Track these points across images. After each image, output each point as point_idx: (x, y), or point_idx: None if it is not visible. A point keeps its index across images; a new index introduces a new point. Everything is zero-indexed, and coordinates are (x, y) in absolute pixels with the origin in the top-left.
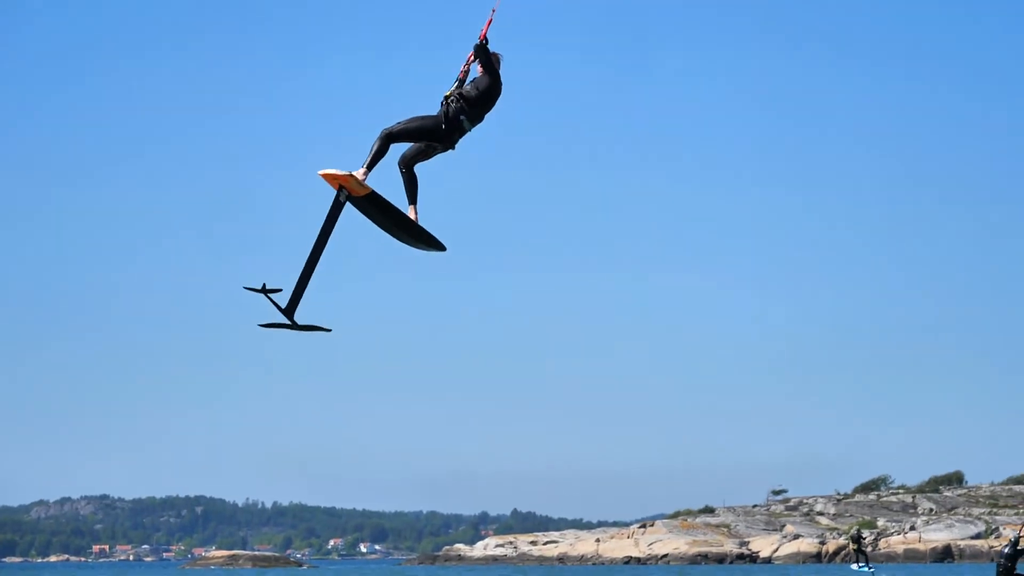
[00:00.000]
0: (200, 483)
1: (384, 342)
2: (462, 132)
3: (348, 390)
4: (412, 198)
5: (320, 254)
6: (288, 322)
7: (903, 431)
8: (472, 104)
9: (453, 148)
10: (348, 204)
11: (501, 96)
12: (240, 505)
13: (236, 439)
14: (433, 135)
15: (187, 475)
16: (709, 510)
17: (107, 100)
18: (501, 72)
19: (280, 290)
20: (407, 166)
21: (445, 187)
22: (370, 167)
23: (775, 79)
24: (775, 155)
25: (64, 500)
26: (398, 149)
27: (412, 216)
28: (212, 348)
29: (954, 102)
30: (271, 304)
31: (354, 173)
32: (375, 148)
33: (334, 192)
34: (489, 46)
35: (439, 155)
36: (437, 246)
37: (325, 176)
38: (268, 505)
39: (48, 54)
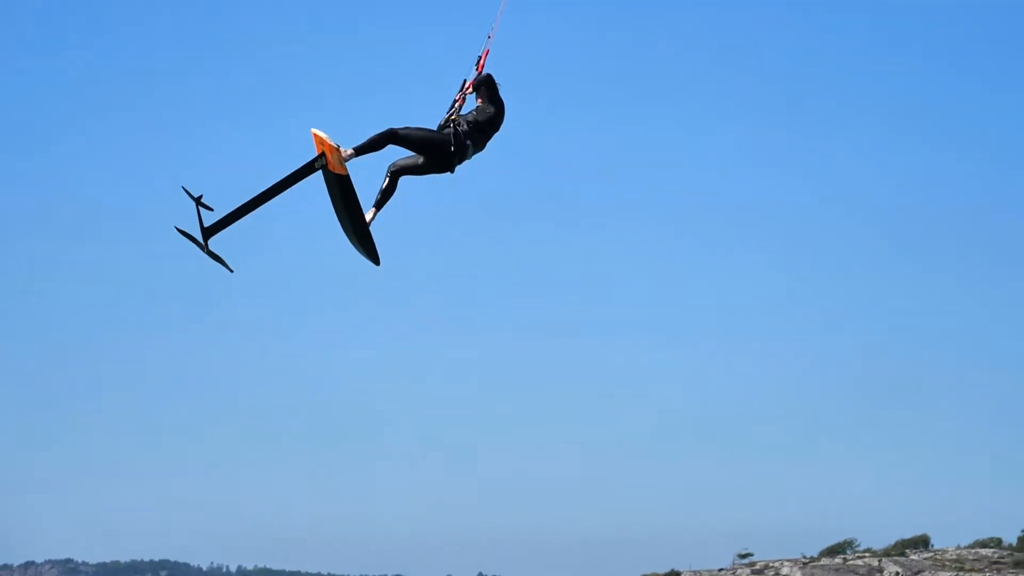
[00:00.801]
0: (165, 547)
1: (346, 405)
2: (463, 157)
3: (315, 454)
4: (380, 204)
5: (267, 200)
6: (201, 241)
7: (870, 494)
8: (480, 130)
9: (452, 172)
10: (320, 173)
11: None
12: (205, 569)
13: (201, 502)
14: (437, 151)
15: (152, 538)
16: (675, 574)
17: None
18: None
19: (212, 209)
20: (395, 174)
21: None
22: (359, 151)
23: (765, 143)
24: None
25: (28, 564)
26: (391, 153)
27: (369, 217)
28: (175, 412)
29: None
30: (195, 215)
31: (341, 148)
32: (373, 138)
33: (314, 154)
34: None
35: (432, 176)
36: (373, 257)
37: (316, 136)
38: (233, 568)
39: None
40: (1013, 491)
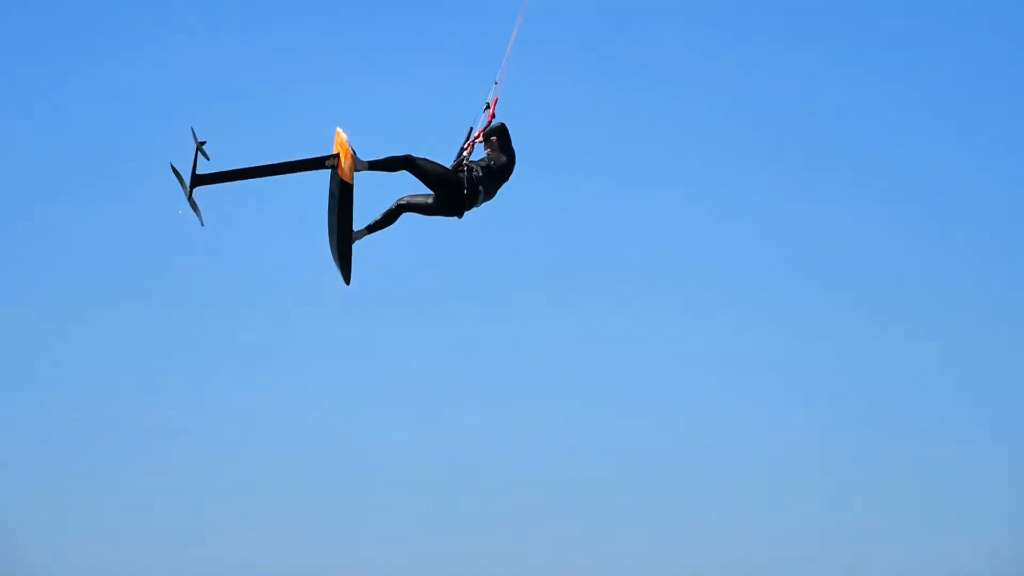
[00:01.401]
0: None
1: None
2: (473, 203)
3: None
4: (374, 227)
5: (266, 174)
6: (187, 184)
7: None
8: (492, 178)
9: (460, 217)
10: (326, 171)
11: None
12: None
13: None
14: (451, 190)
15: None
16: None
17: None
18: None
19: (209, 159)
20: (401, 208)
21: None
22: (372, 166)
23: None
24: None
25: None
26: (401, 184)
27: (358, 235)
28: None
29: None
30: (192, 159)
31: (358, 156)
32: (391, 158)
33: (329, 151)
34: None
35: (440, 219)
36: (345, 274)
37: (338, 135)
38: None
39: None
40: None
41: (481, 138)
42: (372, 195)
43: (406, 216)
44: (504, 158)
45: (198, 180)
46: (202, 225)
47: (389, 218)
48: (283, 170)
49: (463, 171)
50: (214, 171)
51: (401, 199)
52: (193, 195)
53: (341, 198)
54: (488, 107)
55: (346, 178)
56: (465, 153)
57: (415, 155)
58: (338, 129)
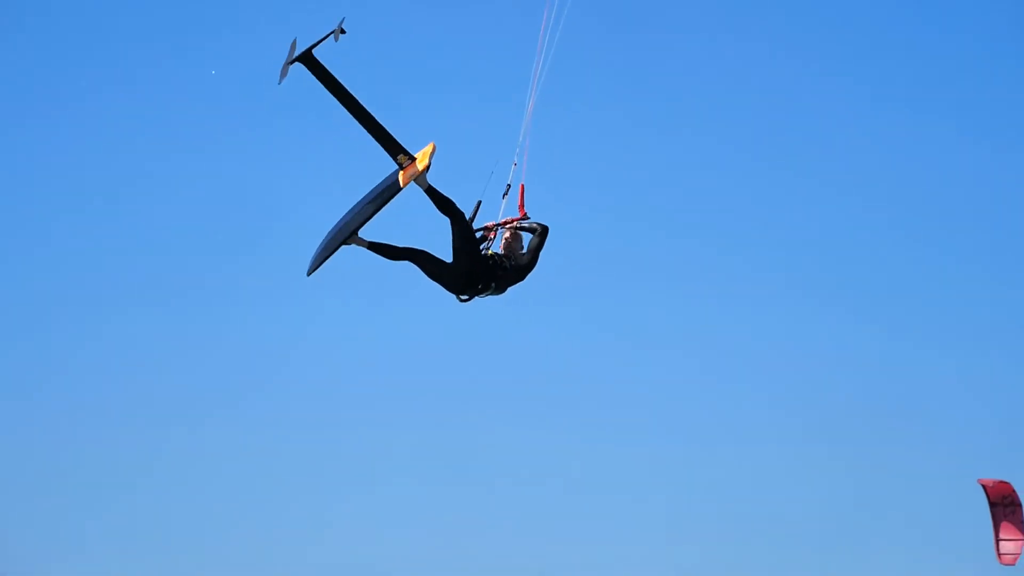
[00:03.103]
0: None
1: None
2: (484, 291)
3: None
4: (377, 248)
5: (359, 115)
6: (295, 54)
7: None
8: (508, 276)
9: (461, 297)
10: (397, 168)
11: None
12: None
13: None
14: (473, 260)
15: None
16: None
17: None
18: None
19: (337, 40)
20: (415, 254)
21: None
22: (430, 191)
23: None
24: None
25: None
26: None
27: (359, 239)
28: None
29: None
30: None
31: (426, 174)
32: (400, 249)
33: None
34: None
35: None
36: (314, 266)
37: (430, 147)
38: None
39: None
40: None
41: (511, 225)
42: (409, 218)
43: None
44: (527, 259)
45: (308, 58)
46: (279, 83)
47: (396, 253)
48: (371, 125)
49: (491, 258)
50: (325, 66)
51: (414, 248)
52: (288, 70)
53: (381, 196)
54: (507, 190)
55: (401, 180)
56: (491, 236)
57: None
58: (433, 143)
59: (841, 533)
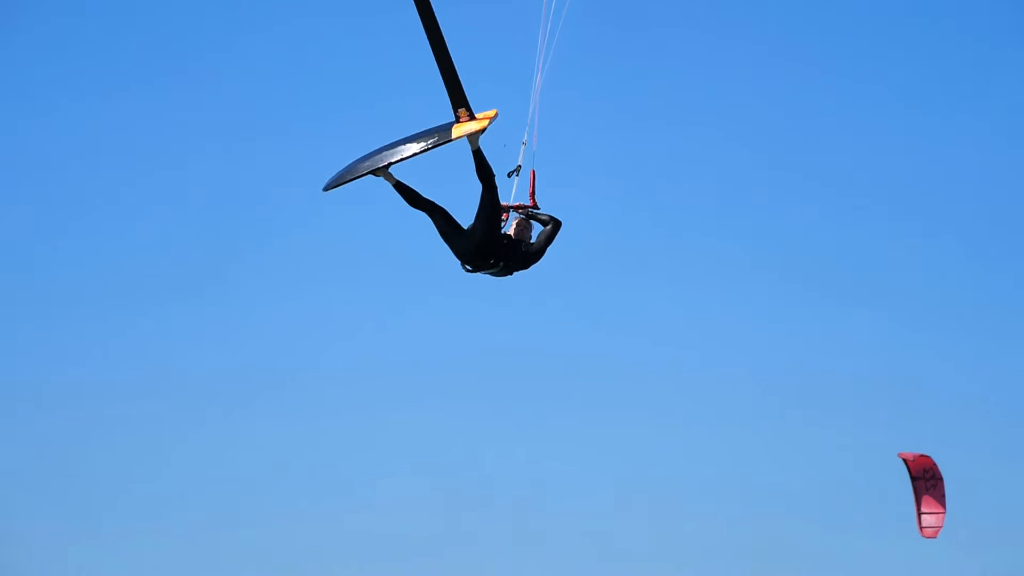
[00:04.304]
0: None
1: None
2: (493, 266)
3: None
4: (401, 188)
5: (440, 55)
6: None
7: None
8: (518, 257)
9: (467, 266)
10: (457, 121)
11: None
12: None
13: None
14: (492, 229)
15: None
16: None
17: None
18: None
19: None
20: (435, 210)
21: None
22: (477, 154)
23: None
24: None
25: None
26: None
27: (386, 171)
28: None
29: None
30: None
31: (477, 136)
32: (427, 201)
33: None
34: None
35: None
36: (333, 183)
37: (492, 113)
38: None
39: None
40: None
41: (524, 211)
42: (452, 173)
43: None
44: (535, 248)
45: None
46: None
47: (418, 201)
48: (447, 68)
49: (506, 237)
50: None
51: (442, 205)
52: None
53: (428, 139)
54: (517, 172)
55: (455, 132)
56: (504, 217)
57: (496, 183)
58: (496, 110)
59: (838, 525)
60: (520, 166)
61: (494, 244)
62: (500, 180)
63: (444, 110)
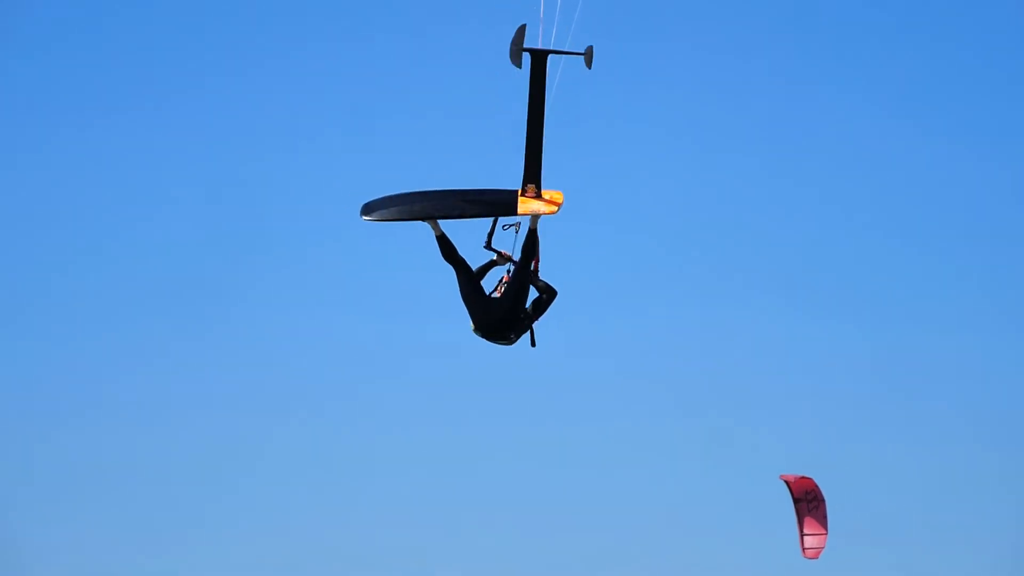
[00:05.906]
0: None
1: None
2: (494, 337)
3: None
4: (443, 239)
5: (535, 125)
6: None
7: None
8: (516, 326)
9: (473, 330)
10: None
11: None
12: None
13: None
14: (488, 312)
15: None
16: None
17: None
18: None
19: (587, 60)
20: (490, 265)
21: None
22: (530, 238)
23: None
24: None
25: None
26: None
27: (445, 217)
28: None
29: None
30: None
31: (535, 222)
32: (531, 245)
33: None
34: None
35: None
36: (372, 209)
37: (558, 195)
38: None
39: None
40: None
41: (523, 271)
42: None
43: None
44: (528, 313)
45: (541, 57)
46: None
47: (454, 256)
48: (535, 142)
49: (525, 313)
50: (546, 72)
51: (476, 270)
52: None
53: (490, 206)
54: (516, 228)
55: (521, 209)
56: (500, 264)
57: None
58: (561, 192)
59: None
60: (519, 223)
61: (515, 322)
62: (497, 228)
63: (464, 135)
